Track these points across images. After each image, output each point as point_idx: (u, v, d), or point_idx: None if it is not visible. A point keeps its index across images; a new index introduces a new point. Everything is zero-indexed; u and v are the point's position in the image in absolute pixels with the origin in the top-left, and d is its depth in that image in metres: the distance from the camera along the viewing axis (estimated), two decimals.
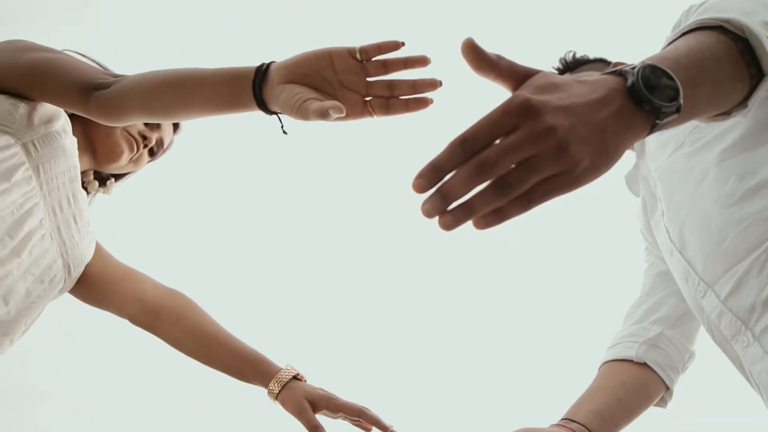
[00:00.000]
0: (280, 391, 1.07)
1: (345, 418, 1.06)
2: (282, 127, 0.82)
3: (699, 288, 0.87)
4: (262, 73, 0.80)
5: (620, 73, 0.54)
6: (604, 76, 0.54)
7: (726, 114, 0.70)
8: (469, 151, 0.48)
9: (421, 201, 0.49)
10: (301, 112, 0.73)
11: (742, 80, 0.65)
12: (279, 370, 1.09)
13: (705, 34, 0.65)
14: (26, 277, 1.01)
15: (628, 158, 1.11)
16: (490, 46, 0.55)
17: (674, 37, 0.68)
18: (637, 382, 1.05)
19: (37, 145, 1.00)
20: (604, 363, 1.11)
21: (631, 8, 2.21)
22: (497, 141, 0.49)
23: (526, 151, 0.48)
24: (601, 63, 1.20)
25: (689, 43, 0.64)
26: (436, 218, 0.50)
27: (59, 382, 2.26)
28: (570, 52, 1.11)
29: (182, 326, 1.16)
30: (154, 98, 0.89)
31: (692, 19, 0.68)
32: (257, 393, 1.11)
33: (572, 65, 1.22)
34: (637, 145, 1.05)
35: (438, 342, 2.29)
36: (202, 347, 1.15)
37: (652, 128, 0.54)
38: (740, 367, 0.85)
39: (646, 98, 0.52)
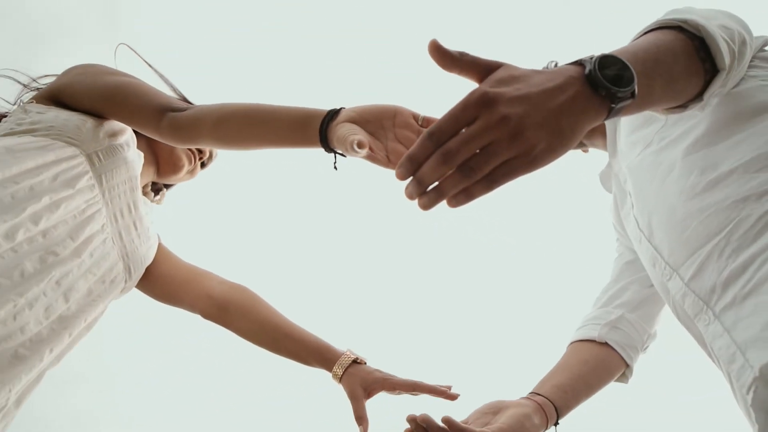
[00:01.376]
0: (342, 375, 1.13)
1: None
2: (335, 163, 0.89)
3: (665, 272, 0.91)
4: (333, 113, 0.87)
5: (579, 62, 0.60)
6: (564, 66, 0.60)
7: (683, 107, 0.75)
8: (436, 143, 0.55)
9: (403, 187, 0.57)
10: (345, 142, 0.81)
11: (697, 75, 0.70)
12: (341, 355, 1.15)
13: (664, 32, 0.71)
14: (87, 277, 1.06)
15: (603, 159, 1.18)
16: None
17: (636, 36, 0.74)
18: (598, 360, 1.12)
19: (101, 156, 1.06)
20: (571, 343, 1.17)
21: (631, 8, 2.24)
22: (463, 131, 0.55)
23: (485, 139, 0.54)
24: None
25: (648, 39, 0.70)
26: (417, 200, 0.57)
27: (96, 368, 2.27)
28: (552, 62, 1.17)
29: (250, 319, 1.23)
30: (225, 127, 0.96)
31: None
32: (286, 388, 1.12)
33: None
34: (610, 146, 1.09)
35: (427, 330, 2.32)
36: (269, 338, 1.21)
37: (609, 112, 0.59)
38: (703, 344, 0.88)
39: (603, 84, 0.57)
